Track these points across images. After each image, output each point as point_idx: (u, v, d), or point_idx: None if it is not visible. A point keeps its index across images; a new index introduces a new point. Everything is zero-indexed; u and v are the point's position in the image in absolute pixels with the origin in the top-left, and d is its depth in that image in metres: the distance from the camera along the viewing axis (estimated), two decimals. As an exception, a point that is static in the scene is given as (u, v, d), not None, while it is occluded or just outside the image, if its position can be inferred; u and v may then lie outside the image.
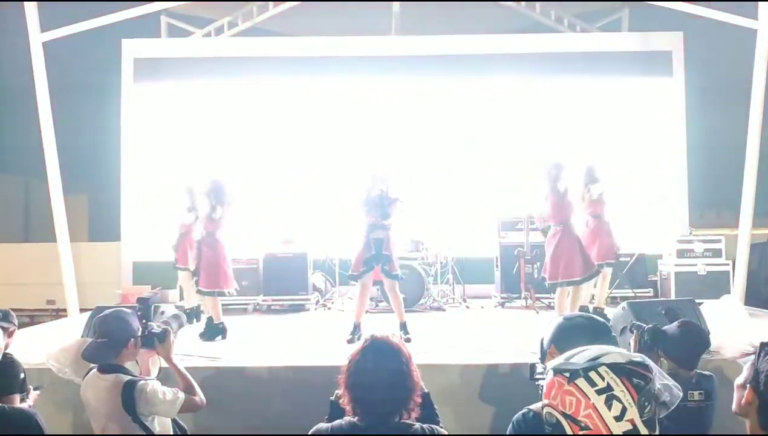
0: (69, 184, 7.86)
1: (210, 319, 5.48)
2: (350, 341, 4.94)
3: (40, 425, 2.36)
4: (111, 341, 2.58)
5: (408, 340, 4.85)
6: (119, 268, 8.84)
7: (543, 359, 1.95)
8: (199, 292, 5.55)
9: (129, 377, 2.54)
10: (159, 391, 2.52)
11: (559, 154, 6.00)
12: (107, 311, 2.75)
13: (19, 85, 8.18)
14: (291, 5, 9.04)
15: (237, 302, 7.11)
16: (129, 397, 2.46)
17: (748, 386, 1.56)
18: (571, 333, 1.91)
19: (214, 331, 5.38)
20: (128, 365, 2.65)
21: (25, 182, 11.78)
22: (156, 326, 2.75)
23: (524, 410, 1.85)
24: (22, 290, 9.17)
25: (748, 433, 1.55)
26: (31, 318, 8.86)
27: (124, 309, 2.76)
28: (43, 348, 4.13)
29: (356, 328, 5.17)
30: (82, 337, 3.96)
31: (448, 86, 8.95)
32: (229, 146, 8.83)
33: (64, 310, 7.85)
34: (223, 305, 7.40)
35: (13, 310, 3.21)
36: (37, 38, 7.41)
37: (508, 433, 1.85)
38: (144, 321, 2.73)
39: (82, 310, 7.42)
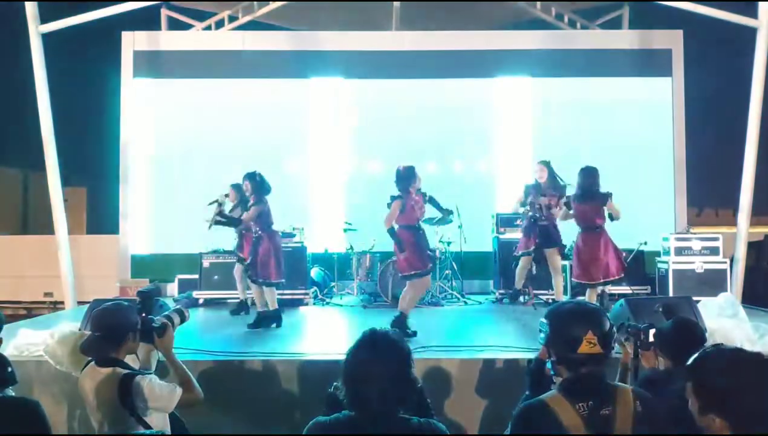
0: (68, 176, 7.86)
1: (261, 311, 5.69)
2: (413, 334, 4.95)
3: (43, 415, 2.34)
4: (109, 334, 2.57)
5: (414, 333, 4.91)
6: (117, 261, 8.84)
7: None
8: (254, 282, 5.74)
9: (126, 371, 2.52)
10: (156, 386, 2.50)
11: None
12: (106, 305, 2.72)
13: (18, 77, 8.16)
14: (291, -1, 9.02)
15: (235, 297, 7.12)
16: (126, 391, 2.44)
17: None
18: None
19: (269, 319, 5.61)
20: (128, 358, 2.64)
21: (24, 175, 11.76)
22: (156, 320, 2.73)
23: (531, 401, 1.93)
24: (20, 282, 9.18)
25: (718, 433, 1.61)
26: (29, 310, 8.86)
27: (123, 302, 2.74)
28: (40, 340, 4.15)
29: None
30: (79, 330, 3.97)
31: (447, 82, 8.94)
32: (229, 139, 8.82)
33: (62, 302, 7.86)
34: (222, 299, 7.47)
35: (11, 302, 3.20)
36: (36, 30, 7.39)
37: (513, 424, 1.90)
38: (143, 315, 2.72)
39: (79, 302, 7.42)
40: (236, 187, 6.59)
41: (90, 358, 2.63)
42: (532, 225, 6.53)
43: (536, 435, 1.87)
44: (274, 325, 5.64)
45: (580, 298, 5.55)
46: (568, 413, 1.84)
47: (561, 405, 1.86)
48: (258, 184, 5.70)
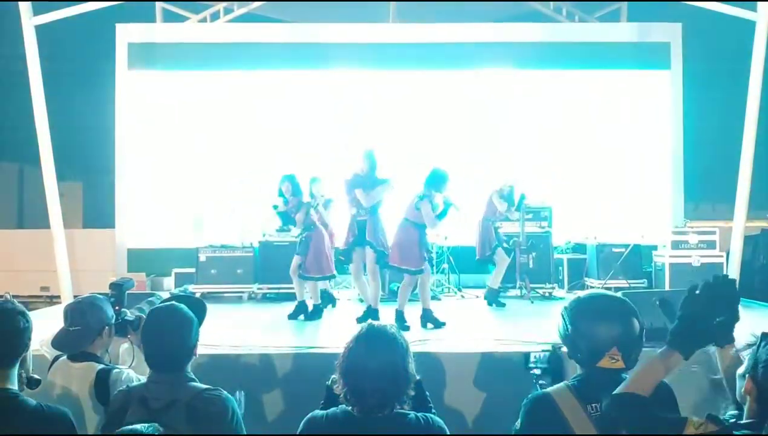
0: (63, 170, 7.82)
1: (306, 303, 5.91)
2: None
3: (74, 426, 2.24)
4: (84, 328, 2.50)
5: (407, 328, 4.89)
6: (114, 255, 8.81)
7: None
8: (300, 276, 5.91)
9: (102, 366, 2.47)
10: (134, 379, 2.42)
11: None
12: (80, 298, 2.66)
13: (11, 70, 8.10)
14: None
15: (232, 291, 7.10)
16: (103, 386, 2.38)
17: (747, 375, 1.58)
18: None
19: (315, 312, 5.83)
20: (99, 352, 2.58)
21: (19, 169, 11.68)
22: (129, 313, 2.70)
23: (536, 393, 1.85)
24: (16, 276, 9.13)
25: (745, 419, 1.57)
26: (26, 305, 8.81)
27: (98, 296, 2.67)
28: (37, 335, 4.13)
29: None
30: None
31: (444, 74, 8.91)
32: (224, 132, 8.78)
33: (59, 297, 7.83)
34: (217, 293, 7.42)
35: (8, 297, 3.15)
36: (29, 22, 7.32)
37: (522, 416, 1.82)
38: (117, 308, 2.65)
39: (76, 297, 7.38)
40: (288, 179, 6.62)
41: (59, 353, 2.56)
42: None
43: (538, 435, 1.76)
44: (301, 317, 5.80)
45: (604, 291, 5.51)
46: (576, 413, 1.69)
47: (569, 403, 1.71)
48: (296, 186, 6.02)
